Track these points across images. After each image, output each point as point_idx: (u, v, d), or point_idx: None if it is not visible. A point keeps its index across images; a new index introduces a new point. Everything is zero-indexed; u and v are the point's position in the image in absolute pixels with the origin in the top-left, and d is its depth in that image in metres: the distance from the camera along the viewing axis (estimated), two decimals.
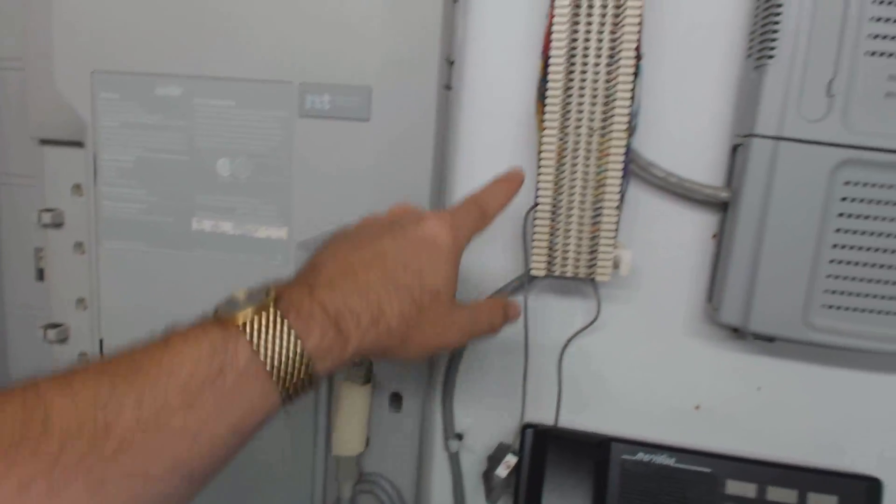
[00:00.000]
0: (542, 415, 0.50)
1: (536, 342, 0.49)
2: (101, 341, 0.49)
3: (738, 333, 0.47)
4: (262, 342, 0.27)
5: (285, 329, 0.27)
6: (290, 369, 0.27)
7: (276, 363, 0.27)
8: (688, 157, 0.46)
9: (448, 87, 0.45)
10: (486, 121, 0.48)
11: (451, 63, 0.45)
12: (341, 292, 0.30)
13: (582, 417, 0.51)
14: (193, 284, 0.47)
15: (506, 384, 0.51)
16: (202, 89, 0.44)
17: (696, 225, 0.47)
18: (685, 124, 0.46)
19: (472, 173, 0.49)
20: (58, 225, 0.51)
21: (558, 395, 0.50)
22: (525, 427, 0.49)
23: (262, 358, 0.27)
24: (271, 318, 0.28)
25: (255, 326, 0.27)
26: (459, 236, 0.35)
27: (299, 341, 0.28)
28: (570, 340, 0.50)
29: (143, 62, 0.44)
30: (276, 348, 0.27)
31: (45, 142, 0.49)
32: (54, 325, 0.52)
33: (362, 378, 0.47)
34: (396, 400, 0.49)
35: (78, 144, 0.48)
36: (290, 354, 0.27)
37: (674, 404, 0.50)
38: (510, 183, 0.38)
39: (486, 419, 0.53)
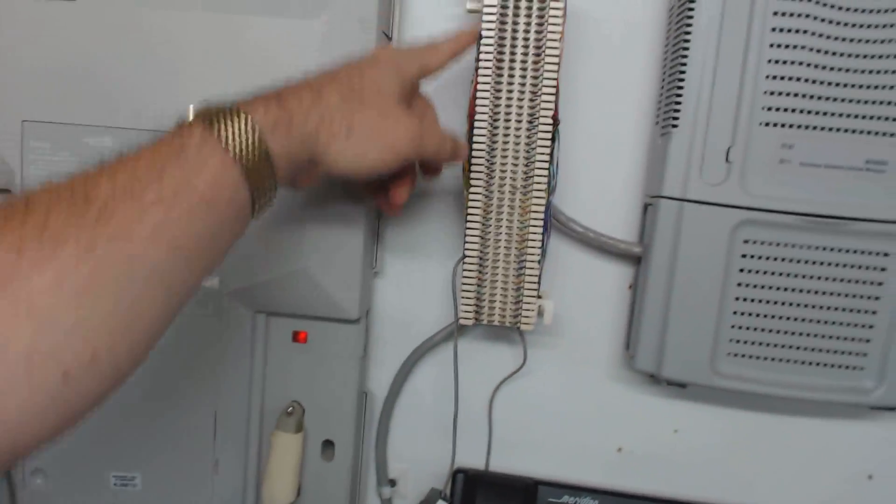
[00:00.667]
0: (473, 459, 0.52)
1: (467, 388, 0.51)
2: None
3: (654, 379, 0.49)
4: (214, 121, 0.29)
5: (231, 107, 0.30)
6: (240, 139, 0.29)
7: (224, 134, 0.29)
8: (604, 214, 0.49)
9: None
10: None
11: None
12: (287, 87, 0.33)
13: (511, 461, 0.52)
14: None
15: (438, 429, 0.52)
16: (135, 140, 0.44)
17: (614, 276, 0.49)
18: (601, 184, 0.49)
19: (404, 226, 0.51)
20: None
21: (489, 439, 0.52)
22: (456, 472, 0.50)
23: (214, 133, 0.29)
24: (221, 105, 0.30)
25: (208, 113, 0.30)
26: (404, 56, 0.38)
27: (245, 114, 0.30)
28: (499, 386, 0.51)
29: (74, 114, 0.45)
30: (225, 123, 0.29)
31: None
32: None
33: (294, 426, 0.47)
34: (328, 447, 0.49)
35: (5, 192, 0.47)
36: (238, 125, 0.30)
37: (598, 447, 0.52)
38: (465, 35, 0.41)
39: (418, 465, 0.53)
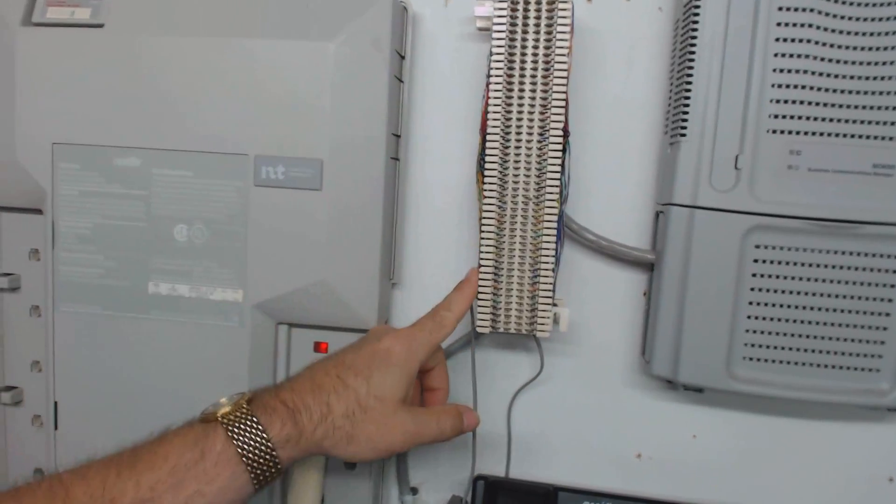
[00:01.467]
0: (493, 466, 0.52)
1: (485, 396, 0.52)
2: (55, 404, 0.49)
3: (671, 384, 0.50)
4: (235, 431, 0.34)
5: (253, 420, 0.35)
6: (256, 455, 0.34)
7: (244, 448, 0.34)
8: (617, 222, 0.50)
9: (395, 158, 0.49)
10: (432, 190, 0.52)
11: (397, 137, 0.49)
12: (300, 392, 0.37)
13: (531, 467, 0.53)
14: (148, 347, 0.48)
15: (458, 438, 0.52)
16: (161, 160, 0.46)
17: (628, 283, 0.50)
18: (613, 193, 0.50)
19: (420, 237, 0.52)
20: (14, 289, 0.52)
21: (508, 446, 0.52)
22: (476, 479, 0.51)
23: (234, 445, 0.34)
24: (243, 413, 0.35)
25: (230, 419, 0.35)
26: (413, 349, 0.40)
27: (263, 431, 0.35)
28: (517, 394, 0.52)
29: (102, 136, 0.47)
30: (246, 436, 0.34)
31: (2, 208, 0.51)
32: (9, 388, 0.52)
33: None
34: None
35: (37, 211, 0.49)
36: (257, 440, 0.34)
37: (617, 453, 0.52)
38: (467, 287, 0.44)
39: (439, 473, 0.54)
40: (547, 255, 0.45)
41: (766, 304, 0.44)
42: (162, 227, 0.47)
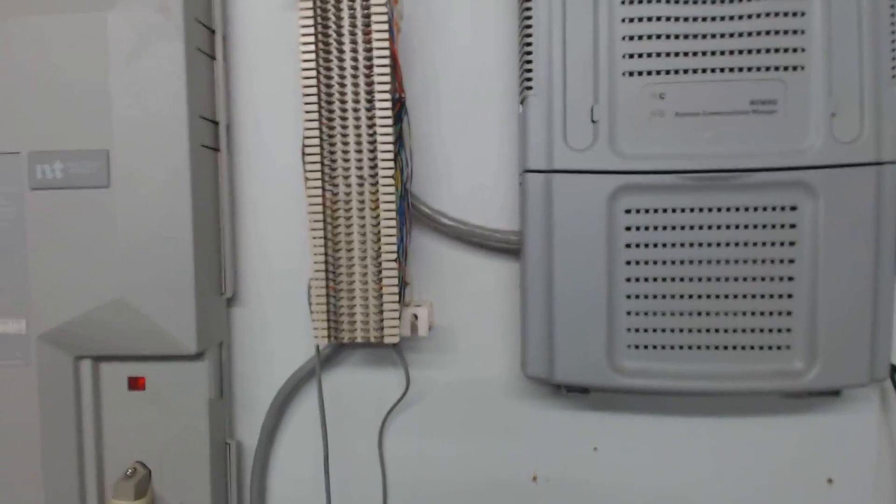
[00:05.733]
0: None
1: (352, 424, 0.44)
2: None
3: (558, 389, 0.42)
4: None
5: None
6: None
7: None
8: (484, 202, 0.43)
9: (212, 147, 0.41)
10: (266, 184, 0.44)
11: (213, 123, 0.41)
12: None
13: None
14: None
15: (319, 475, 0.44)
16: None
17: (501, 274, 0.43)
18: (474, 169, 0.43)
19: (261, 241, 0.44)
20: None
21: (383, 482, 0.44)
22: None
23: None
24: None
25: None
26: None
27: None
28: (386, 419, 0.44)
29: None
30: None
31: None
32: None
33: (134, 492, 0.39)
34: None
35: None
36: None
37: (508, 477, 0.44)
38: None
39: None
40: (389, 243, 0.38)
41: (645, 280, 0.37)
42: None
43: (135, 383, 0.41)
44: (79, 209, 0.38)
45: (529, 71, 0.37)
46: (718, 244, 0.36)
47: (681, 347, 0.37)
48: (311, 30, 0.37)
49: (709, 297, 0.37)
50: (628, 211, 0.36)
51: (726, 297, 0.36)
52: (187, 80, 0.38)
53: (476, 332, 0.43)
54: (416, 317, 0.40)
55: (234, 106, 0.43)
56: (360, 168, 0.38)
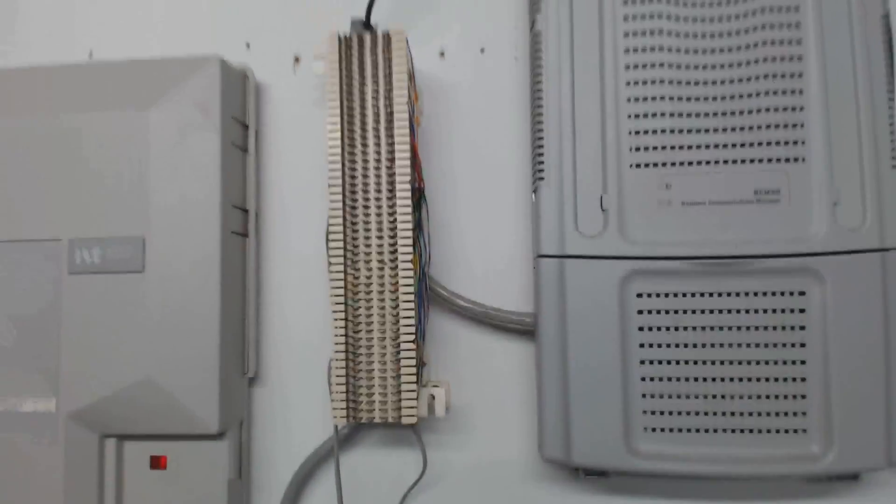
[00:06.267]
0: None
1: None
2: None
3: (576, 473, 0.42)
4: None
5: None
6: None
7: None
8: (499, 286, 0.44)
9: (241, 233, 0.43)
10: (291, 268, 0.46)
11: (243, 210, 0.44)
12: None
13: None
14: None
15: None
16: None
17: (517, 355, 0.44)
18: (491, 253, 0.44)
19: (285, 322, 0.46)
20: None
21: None
22: None
23: None
24: None
25: None
26: None
27: None
28: (403, 500, 0.44)
29: None
30: None
31: None
32: None
33: None
34: None
35: None
36: None
37: None
38: None
39: None
40: (407, 325, 0.39)
41: (659, 362, 0.37)
42: None
43: (157, 462, 0.41)
44: (113, 292, 0.40)
45: (541, 163, 0.39)
46: (731, 328, 0.37)
47: (697, 430, 0.37)
48: (338, 125, 0.40)
49: (723, 379, 0.37)
50: (640, 295, 0.37)
51: (740, 380, 0.37)
52: (221, 172, 0.41)
53: (493, 413, 0.44)
54: (433, 397, 0.41)
55: (263, 194, 0.46)
56: (380, 252, 0.40)
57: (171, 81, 0.41)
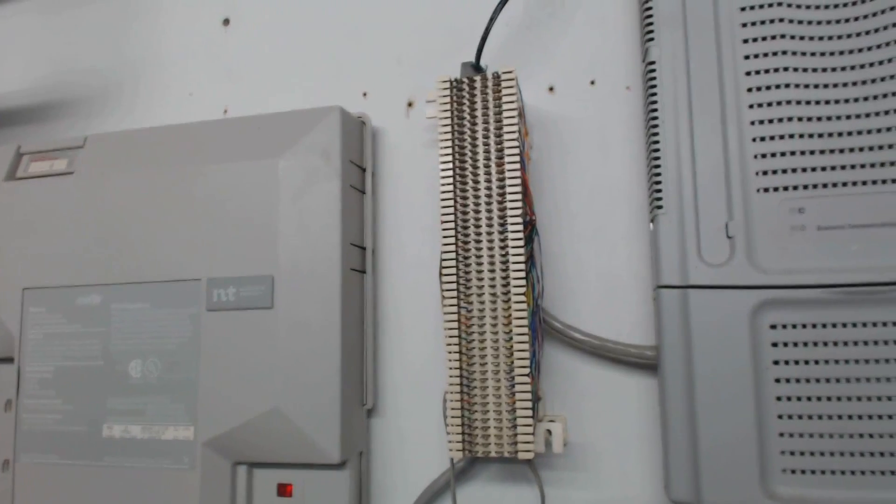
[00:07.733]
0: None
1: None
2: None
3: None
4: None
5: None
6: None
7: None
8: (617, 317, 0.43)
9: (360, 270, 0.45)
10: (405, 303, 0.47)
11: (361, 248, 0.46)
12: None
13: None
14: (101, 498, 0.44)
15: None
16: (120, 295, 0.45)
17: (638, 390, 0.42)
18: (607, 285, 0.43)
19: (402, 355, 0.47)
20: None
21: None
22: None
23: None
24: None
25: None
26: None
27: None
28: None
29: (68, 276, 0.46)
30: None
31: None
32: None
33: None
34: None
35: (9, 360, 0.48)
36: None
37: None
38: None
39: None
40: (522, 359, 0.39)
41: (798, 399, 0.35)
42: (118, 364, 0.45)
43: (283, 490, 0.43)
44: (245, 328, 0.43)
45: (659, 191, 0.38)
46: (875, 361, 0.34)
47: (842, 473, 0.34)
48: (450, 164, 0.41)
49: (869, 417, 0.34)
50: (774, 326, 0.35)
51: (890, 417, 0.34)
52: (342, 213, 0.43)
53: (613, 450, 0.42)
54: (549, 432, 0.40)
55: (379, 232, 0.48)
56: (493, 286, 0.40)
57: (297, 132, 0.44)
